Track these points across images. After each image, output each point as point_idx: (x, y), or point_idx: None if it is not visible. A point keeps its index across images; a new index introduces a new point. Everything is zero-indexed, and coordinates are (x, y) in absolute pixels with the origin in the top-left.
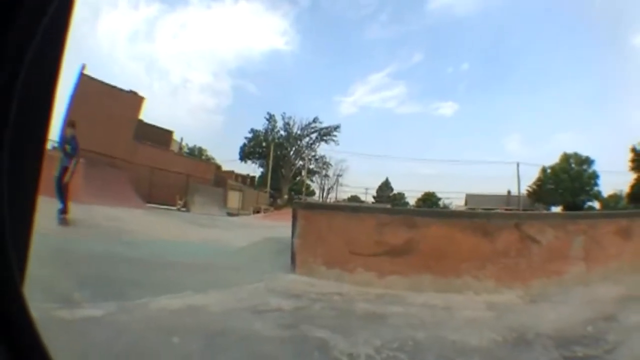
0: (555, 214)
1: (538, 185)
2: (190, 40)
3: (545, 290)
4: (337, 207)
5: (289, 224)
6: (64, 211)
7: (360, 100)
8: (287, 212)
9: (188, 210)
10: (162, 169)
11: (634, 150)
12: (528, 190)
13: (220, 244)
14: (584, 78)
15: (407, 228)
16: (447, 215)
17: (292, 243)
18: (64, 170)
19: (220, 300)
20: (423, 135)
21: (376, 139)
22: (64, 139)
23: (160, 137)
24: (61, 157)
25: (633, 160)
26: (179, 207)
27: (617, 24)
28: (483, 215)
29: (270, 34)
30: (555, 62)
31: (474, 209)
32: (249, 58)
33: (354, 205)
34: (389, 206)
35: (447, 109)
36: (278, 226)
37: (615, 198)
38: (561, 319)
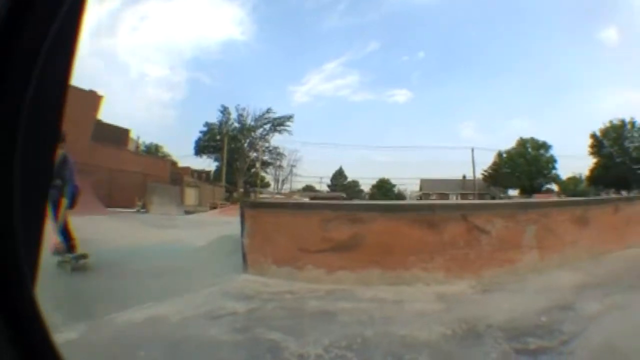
0: (504, 204)
1: (494, 170)
2: (149, 33)
3: (498, 280)
4: (282, 205)
5: (234, 219)
6: (79, 257)
7: (314, 89)
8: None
9: (147, 212)
10: (120, 170)
11: (593, 136)
12: (484, 175)
13: (178, 245)
14: (542, 66)
15: (351, 223)
16: (392, 208)
17: (242, 243)
18: (56, 207)
19: (179, 308)
20: (377, 123)
21: (330, 128)
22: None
23: (118, 136)
24: (50, 193)
25: (592, 146)
26: (138, 209)
27: (574, 13)
28: (428, 207)
29: (227, 24)
30: (512, 50)
31: (428, 193)
32: (205, 48)
33: (298, 202)
34: (343, 195)
35: (401, 96)
36: (233, 221)
37: (574, 181)
38: (514, 309)
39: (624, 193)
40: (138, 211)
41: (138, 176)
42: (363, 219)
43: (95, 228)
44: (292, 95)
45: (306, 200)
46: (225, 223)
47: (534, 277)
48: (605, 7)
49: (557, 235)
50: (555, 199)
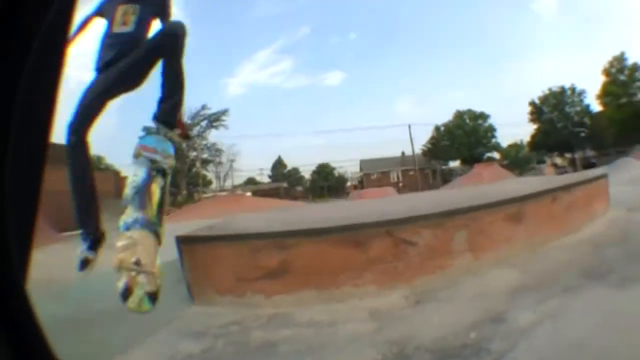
0: (431, 214)
1: (432, 144)
2: (84, 38)
3: (431, 287)
4: (215, 238)
5: (191, 224)
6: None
7: (247, 79)
8: (188, 210)
9: None
10: (68, 191)
11: (532, 103)
12: (423, 150)
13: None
14: (479, 36)
15: (280, 250)
16: (316, 232)
17: (184, 275)
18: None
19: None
20: (313, 108)
21: (267, 118)
22: None
23: (62, 154)
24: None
25: (532, 113)
26: None
27: None
28: (352, 227)
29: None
30: (446, 22)
31: (369, 173)
32: None
33: (229, 234)
34: (284, 184)
35: (335, 78)
36: (178, 230)
37: (516, 147)
38: (444, 323)
39: (568, 155)
40: None
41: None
42: (289, 244)
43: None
44: (226, 88)
45: (248, 194)
46: (174, 233)
47: (467, 281)
48: None
49: (489, 236)
50: (496, 167)
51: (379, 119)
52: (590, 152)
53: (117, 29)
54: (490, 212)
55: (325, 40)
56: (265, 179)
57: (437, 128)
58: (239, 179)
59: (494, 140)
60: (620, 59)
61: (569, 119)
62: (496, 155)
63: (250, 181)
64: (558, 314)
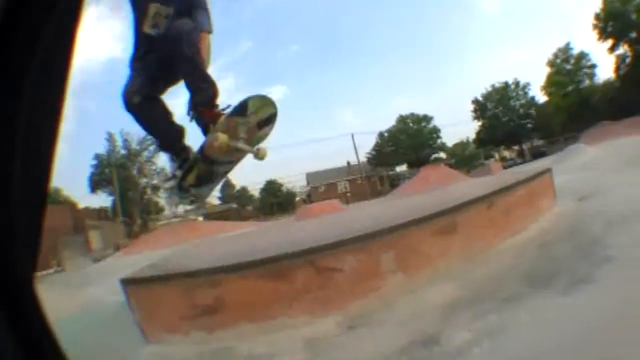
0: (354, 238)
1: (377, 150)
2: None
3: (364, 311)
4: (155, 279)
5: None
6: None
7: None
8: (145, 241)
9: (64, 270)
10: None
11: (475, 101)
12: (368, 157)
13: (91, 317)
14: (418, 41)
15: (212, 287)
16: (240, 267)
17: (134, 316)
18: None
19: None
20: None
21: None
22: None
23: None
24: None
25: (475, 110)
26: (54, 269)
27: None
28: (274, 260)
29: (110, 41)
30: (387, 29)
31: (316, 186)
32: (90, 72)
33: (166, 274)
34: (234, 205)
35: (278, 93)
36: (136, 264)
37: (462, 145)
38: (376, 351)
39: (515, 148)
40: (56, 272)
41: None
42: (220, 281)
43: None
44: (173, 110)
45: (200, 219)
46: (128, 267)
47: (401, 301)
48: None
49: (421, 252)
50: (443, 167)
51: (323, 130)
52: (538, 142)
53: (148, 30)
54: (420, 228)
55: (268, 53)
56: (215, 200)
57: (381, 134)
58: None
59: (439, 140)
60: (565, 49)
61: (513, 112)
62: (443, 155)
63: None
64: (496, 330)
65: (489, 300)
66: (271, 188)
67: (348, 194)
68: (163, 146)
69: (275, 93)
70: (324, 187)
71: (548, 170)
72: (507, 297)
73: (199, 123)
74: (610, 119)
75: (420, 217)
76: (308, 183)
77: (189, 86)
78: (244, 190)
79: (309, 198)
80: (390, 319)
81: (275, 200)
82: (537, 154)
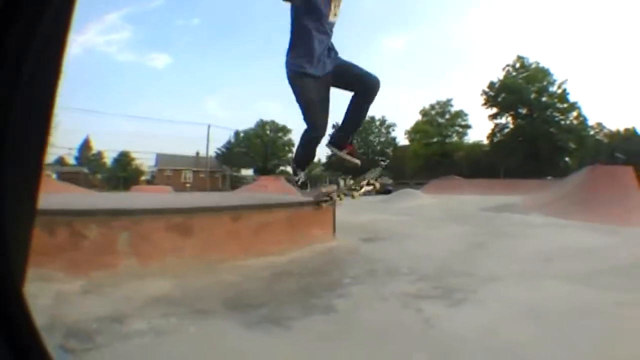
0: (97, 210)
1: (227, 148)
2: None
3: (102, 282)
4: None
5: None
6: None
7: (89, 42)
8: None
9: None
10: None
11: (335, 126)
12: (217, 153)
13: None
14: None
15: None
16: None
17: None
18: None
19: None
20: (136, 88)
21: (95, 89)
22: None
23: None
24: None
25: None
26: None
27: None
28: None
29: None
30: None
31: (163, 169)
32: None
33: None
34: (85, 170)
35: (161, 61)
36: None
37: (313, 165)
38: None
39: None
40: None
41: None
42: None
43: None
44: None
45: (54, 176)
46: None
47: (132, 283)
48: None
49: (153, 243)
50: (282, 181)
51: (187, 112)
52: (388, 180)
53: (332, 18)
54: (152, 218)
55: (171, 18)
56: (72, 160)
57: (237, 133)
58: (52, 156)
59: (290, 155)
60: (445, 104)
61: (369, 146)
62: (289, 169)
63: (59, 161)
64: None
65: (183, 305)
66: (124, 160)
67: (187, 185)
68: (299, 165)
69: (158, 60)
70: (170, 171)
71: (329, 200)
72: (201, 309)
73: (334, 144)
74: (464, 176)
75: (155, 208)
76: (156, 164)
77: (349, 119)
78: (99, 154)
79: (153, 180)
80: (113, 295)
81: (122, 175)
82: (383, 192)
